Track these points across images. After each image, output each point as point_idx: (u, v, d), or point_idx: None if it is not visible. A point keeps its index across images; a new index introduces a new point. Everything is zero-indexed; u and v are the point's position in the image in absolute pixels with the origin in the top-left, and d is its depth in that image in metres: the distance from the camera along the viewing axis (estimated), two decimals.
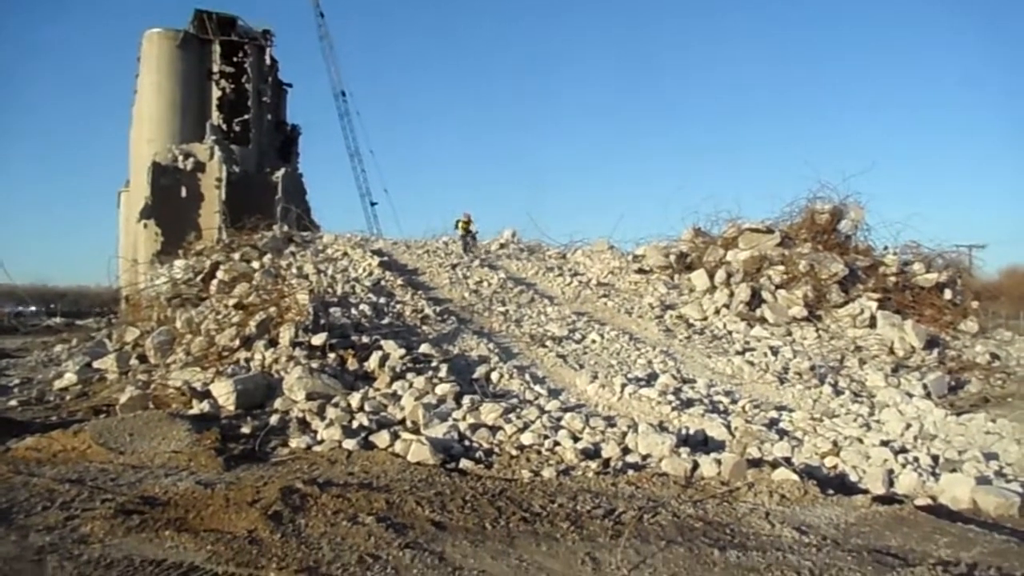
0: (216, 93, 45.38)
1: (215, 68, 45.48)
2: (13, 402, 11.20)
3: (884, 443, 8.66)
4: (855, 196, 20.17)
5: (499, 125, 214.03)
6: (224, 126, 44.86)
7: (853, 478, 7.74)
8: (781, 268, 17.86)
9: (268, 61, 47.70)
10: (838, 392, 11.72)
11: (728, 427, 9.01)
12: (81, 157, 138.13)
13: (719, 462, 7.47)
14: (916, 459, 8.20)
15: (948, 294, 18.77)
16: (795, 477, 7.11)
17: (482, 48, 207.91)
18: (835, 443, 8.70)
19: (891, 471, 7.68)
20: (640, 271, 19.11)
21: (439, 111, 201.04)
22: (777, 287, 17.30)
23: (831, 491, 6.90)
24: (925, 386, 12.58)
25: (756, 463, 7.71)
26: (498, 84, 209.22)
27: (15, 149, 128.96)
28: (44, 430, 8.66)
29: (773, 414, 10.05)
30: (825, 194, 20.10)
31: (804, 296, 16.73)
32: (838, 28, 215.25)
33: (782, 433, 9.13)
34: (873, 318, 16.36)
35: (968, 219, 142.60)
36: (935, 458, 8.34)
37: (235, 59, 46.01)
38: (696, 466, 7.52)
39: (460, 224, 21.58)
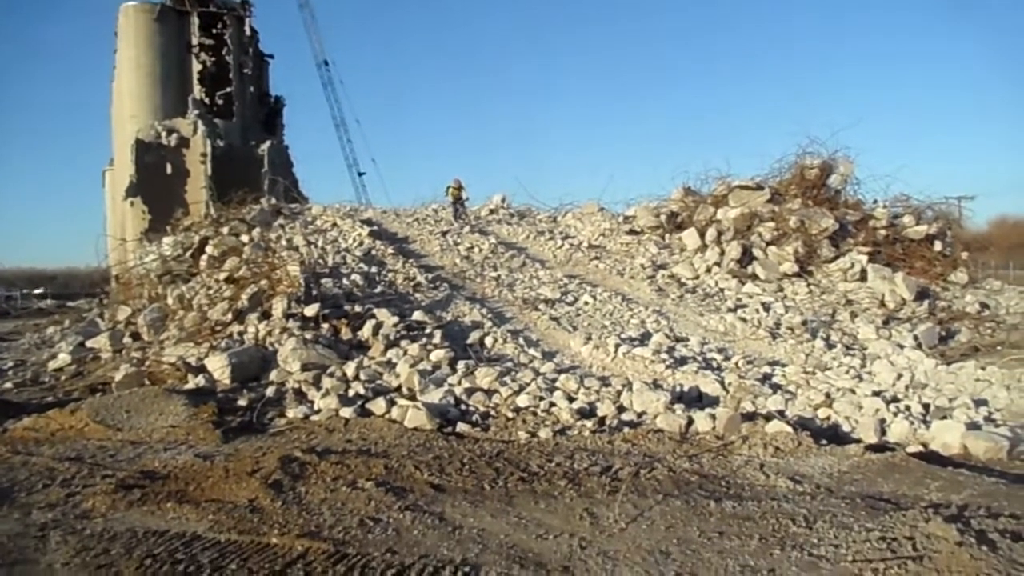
0: (197, 66, 44.57)
1: (194, 41, 44.58)
2: (8, 384, 11.15)
3: (876, 393, 8.76)
4: (844, 150, 20.21)
5: (487, 90, 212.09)
6: (207, 100, 44.17)
7: (846, 428, 7.84)
8: (771, 224, 17.88)
9: (248, 32, 46.75)
10: (830, 345, 11.82)
11: (722, 383, 9.09)
12: (68, 139, 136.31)
13: (713, 417, 7.55)
14: (907, 408, 8.30)
15: (938, 246, 18.88)
16: (789, 429, 7.19)
17: (468, 12, 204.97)
18: (828, 395, 8.79)
19: (883, 420, 7.78)
20: (631, 232, 19.10)
21: (425, 78, 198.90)
22: (768, 243, 17.33)
23: (824, 441, 6.99)
24: (916, 337, 12.71)
25: (750, 417, 7.78)
26: (485, 49, 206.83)
27: (7, 143, 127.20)
28: (41, 410, 8.64)
29: (766, 369, 10.15)
30: (814, 149, 20.12)
31: (795, 252, 16.78)
32: None
33: (775, 387, 9.22)
34: (864, 271, 16.43)
35: (957, 171, 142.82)
36: (926, 406, 8.45)
37: (214, 31, 45.09)
38: (691, 422, 7.59)
39: (450, 191, 21.42)
